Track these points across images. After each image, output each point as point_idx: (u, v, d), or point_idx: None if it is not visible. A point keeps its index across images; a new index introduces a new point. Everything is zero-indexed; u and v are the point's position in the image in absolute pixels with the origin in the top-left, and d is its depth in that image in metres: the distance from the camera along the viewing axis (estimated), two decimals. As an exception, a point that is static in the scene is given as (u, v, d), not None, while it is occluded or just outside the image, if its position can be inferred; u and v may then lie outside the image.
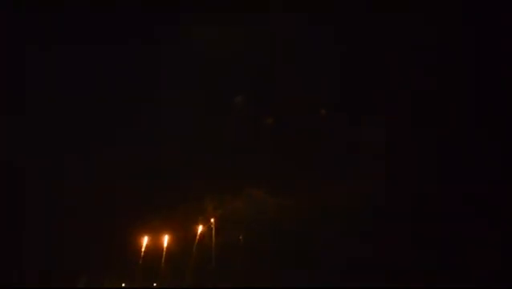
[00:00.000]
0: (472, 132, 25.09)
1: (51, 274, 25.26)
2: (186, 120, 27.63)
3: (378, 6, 25.38)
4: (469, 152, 25.12)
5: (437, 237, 24.85)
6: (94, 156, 26.97)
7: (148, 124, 27.99)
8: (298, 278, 25.24)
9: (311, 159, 27.77)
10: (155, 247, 28.71)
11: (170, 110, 27.29)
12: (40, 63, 25.75)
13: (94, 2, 25.03)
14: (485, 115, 25.33)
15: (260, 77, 27.54)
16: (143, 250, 28.30)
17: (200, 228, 29.06)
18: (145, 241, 28.43)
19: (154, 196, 27.75)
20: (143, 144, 27.52)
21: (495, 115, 25.13)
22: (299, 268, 25.93)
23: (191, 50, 26.32)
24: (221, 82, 27.55)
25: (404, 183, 25.81)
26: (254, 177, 28.24)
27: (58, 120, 26.77)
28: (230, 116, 28.18)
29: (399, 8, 24.93)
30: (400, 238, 25.18)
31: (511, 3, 23.27)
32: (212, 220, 28.96)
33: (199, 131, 27.77)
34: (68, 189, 26.63)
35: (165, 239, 28.68)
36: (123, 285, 28.13)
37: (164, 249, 28.58)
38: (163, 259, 28.49)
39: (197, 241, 28.87)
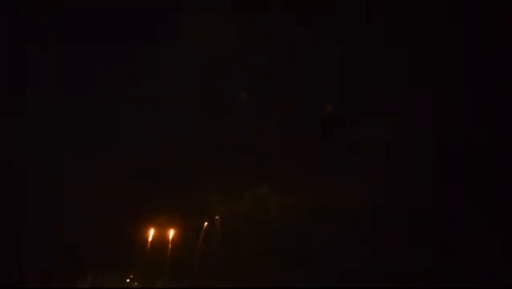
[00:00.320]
0: (472, 132, 25.11)
1: (54, 273, 25.29)
2: (187, 120, 27.67)
3: (378, 5, 25.40)
4: (469, 152, 25.14)
5: (437, 237, 24.89)
6: (94, 156, 27.00)
7: (148, 124, 28.04)
8: (298, 278, 25.28)
9: (311, 159, 27.81)
10: (157, 246, 28.84)
11: (170, 110, 27.32)
12: (40, 63, 25.75)
13: (94, 2, 25.04)
14: (486, 115, 25.35)
15: (260, 77, 27.56)
16: (149, 244, 28.47)
17: (204, 225, 29.16)
18: (151, 234, 28.60)
19: (155, 195, 27.84)
20: (143, 143, 27.57)
21: (495, 115, 25.16)
22: (299, 268, 25.96)
23: (191, 50, 26.32)
24: (222, 81, 27.57)
25: (404, 183, 25.84)
26: (255, 177, 28.30)
27: (58, 120, 26.78)
28: (231, 115, 28.19)
29: (399, 7, 24.94)
30: (400, 238, 25.22)
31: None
32: (216, 217, 29.04)
33: (199, 130, 27.82)
34: (68, 188, 26.66)
35: (171, 234, 28.85)
36: (131, 277, 28.24)
37: (170, 244, 28.73)
38: (168, 253, 28.62)
39: (201, 238, 28.94)
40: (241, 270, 26.49)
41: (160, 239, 28.97)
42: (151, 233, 28.74)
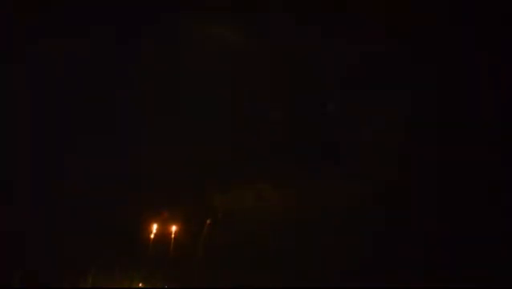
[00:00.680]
0: (472, 132, 25.13)
1: (55, 272, 25.37)
2: (187, 119, 27.68)
3: (379, 5, 25.35)
4: (469, 152, 25.16)
5: (437, 237, 24.95)
6: (94, 154, 27.04)
7: (148, 124, 28.04)
8: (298, 277, 25.34)
9: (312, 158, 27.85)
10: (159, 246, 28.93)
11: (171, 109, 27.33)
12: (40, 63, 25.73)
13: (94, 2, 24.98)
14: (486, 114, 25.36)
15: (261, 76, 27.54)
16: (151, 241, 28.60)
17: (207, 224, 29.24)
18: (153, 231, 28.73)
19: (157, 194, 27.91)
20: (143, 143, 27.59)
21: (496, 114, 25.17)
22: (299, 268, 26.03)
23: (191, 49, 26.31)
24: (222, 81, 27.56)
25: (404, 183, 25.88)
26: (255, 175, 28.33)
27: (58, 120, 26.80)
28: (233, 113, 28.23)
29: (399, 7, 24.89)
30: (400, 237, 25.28)
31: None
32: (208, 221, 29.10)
33: (200, 130, 27.83)
34: (69, 186, 26.70)
35: (172, 233, 28.97)
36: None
37: (172, 239, 28.86)
38: (171, 247, 28.75)
39: (202, 238, 29.03)
40: (240, 269, 26.56)
41: (162, 239, 29.08)
42: (153, 229, 28.89)
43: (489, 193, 24.97)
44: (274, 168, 28.05)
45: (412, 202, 25.91)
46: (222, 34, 25.61)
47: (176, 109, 27.22)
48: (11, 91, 25.02)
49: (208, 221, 28.88)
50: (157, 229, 29.15)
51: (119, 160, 27.12)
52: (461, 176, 25.35)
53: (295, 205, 27.52)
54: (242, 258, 27.18)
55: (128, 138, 27.64)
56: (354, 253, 25.46)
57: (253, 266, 26.74)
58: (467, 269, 23.38)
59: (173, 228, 29.22)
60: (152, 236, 28.79)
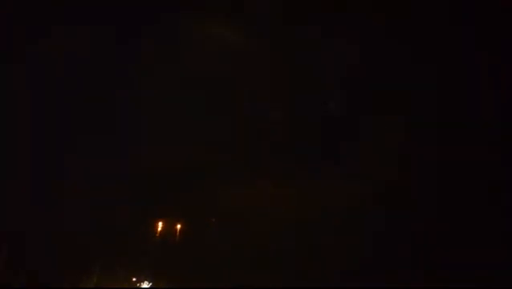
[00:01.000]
0: (471, 133, 25.12)
1: (59, 271, 25.43)
2: (187, 118, 27.70)
3: (379, 4, 25.30)
4: (469, 153, 25.15)
5: (437, 237, 24.95)
6: (97, 155, 27.11)
7: (149, 123, 28.06)
8: (298, 277, 25.35)
9: (312, 158, 27.86)
10: (161, 243, 29.09)
11: (171, 108, 27.33)
12: (40, 63, 25.71)
13: (94, 2, 24.95)
14: (486, 114, 25.34)
15: (261, 76, 27.52)
16: (155, 239, 28.74)
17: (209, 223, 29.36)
18: (158, 229, 28.88)
19: (160, 193, 27.99)
20: (143, 143, 27.61)
21: (496, 114, 25.15)
22: (299, 268, 26.05)
23: (191, 49, 26.28)
24: (222, 81, 27.55)
25: (404, 183, 25.88)
26: (255, 175, 28.36)
27: (57, 120, 26.80)
28: (234, 112, 28.24)
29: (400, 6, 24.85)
30: (400, 237, 25.29)
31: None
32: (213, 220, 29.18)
33: (200, 129, 27.85)
34: (72, 185, 26.76)
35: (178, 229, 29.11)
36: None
37: (178, 235, 28.99)
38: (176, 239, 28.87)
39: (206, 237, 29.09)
40: (240, 269, 26.60)
41: (164, 237, 29.21)
42: (156, 229, 29.02)
43: (489, 193, 24.96)
44: (274, 168, 28.10)
45: (412, 202, 25.90)
46: (222, 34, 25.58)
47: (176, 109, 27.23)
48: (11, 91, 25.01)
49: (212, 220, 29.00)
50: (158, 229, 29.28)
51: (120, 160, 27.17)
52: (461, 176, 25.33)
53: (295, 205, 27.53)
54: (242, 258, 27.23)
55: (128, 138, 27.73)
56: (354, 253, 25.48)
57: (254, 266, 26.77)
58: (467, 269, 23.37)
59: (177, 226, 29.42)
60: (153, 236, 28.95)
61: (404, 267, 24.27)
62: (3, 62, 24.43)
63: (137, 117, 27.83)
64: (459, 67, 24.64)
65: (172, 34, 25.82)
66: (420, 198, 25.80)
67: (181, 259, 28.89)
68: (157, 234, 29.09)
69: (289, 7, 25.13)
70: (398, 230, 25.41)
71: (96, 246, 26.47)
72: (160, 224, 29.22)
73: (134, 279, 29.29)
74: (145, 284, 29.69)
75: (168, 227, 29.40)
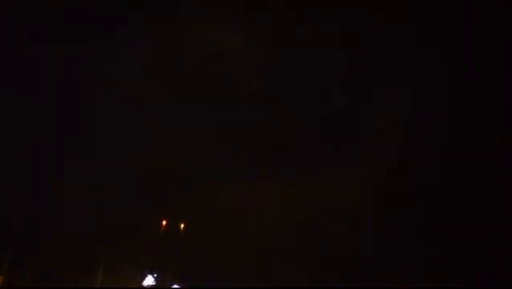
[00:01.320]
0: (471, 133, 25.12)
1: (65, 270, 25.49)
2: (187, 118, 27.73)
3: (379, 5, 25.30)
4: (469, 153, 25.14)
5: (437, 237, 24.94)
6: (100, 154, 27.17)
7: (149, 123, 28.09)
8: (299, 277, 25.35)
9: (312, 158, 27.88)
10: (165, 242, 29.22)
11: (172, 108, 27.39)
12: (40, 63, 25.73)
13: (94, 2, 24.97)
14: (486, 113, 25.34)
15: (261, 76, 27.55)
16: (159, 237, 28.85)
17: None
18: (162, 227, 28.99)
19: (165, 190, 28.07)
20: (143, 143, 27.66)
21: (496, 113, 25.15)
22: (300, 268, 26.05)
23: (191, 49, 26.33)
24: (222, 80, 27.58)
25: (405, 183, 25.87)
26: (255, 175, 28.39)
27: (58, 120, 26.84)
28: (237, 110, 28.27)
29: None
30: (400, 237, 25.28)
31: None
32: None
33: (201, 129, 27.88)
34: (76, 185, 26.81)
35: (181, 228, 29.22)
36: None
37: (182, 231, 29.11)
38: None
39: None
40: (240, 269, 26.62)
41: (167, 236, 29.32)
42: (162, 226, 29.15)
43: (489, 192, 24.95)
44: (274, 168, 28.12)
45: (413, 202, 25.91)
46: (222, 35, 25.60)
47: (176, 109, 27.26)
48: (11, 91, 25.05)
49: (211, 221, 29.03)
50: (162, 228, 29.41)
51: (119, 161, 27.18)
52: (461, 176, 25.34)
53: (295, 205, 27.56)
54: (242, 258, 27.25)
55: (128, 138, 27.76)
56: (354, 253, 25.46)
57: (254, 265, 26.79)
58: (467, 269, 23.38)
59: (181, 226, 29.56)
60: (157, 234, 29.07)
61: (404, 267, 24.27)
62: (3, 62, 24.49)
63: (137, 117, 27.91)
64: (459, 67, 24.68)
65: (172, 34, 25.89)
66: (421, 198, 25.81)
67: (184, 257, 28.96)
68: (161, 233, 29.19)
69: (289, 7, 25.20)
70: (398, 230, 25.42)
71: (100, 245, 26.54)
72: (164, 223, 29.33)
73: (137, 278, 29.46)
74: (149, 279, 29.84)
75: (171, 226, 29.47)
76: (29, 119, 25.86)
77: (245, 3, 24.91)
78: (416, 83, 25.93)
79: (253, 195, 28.38)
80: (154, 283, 29.95)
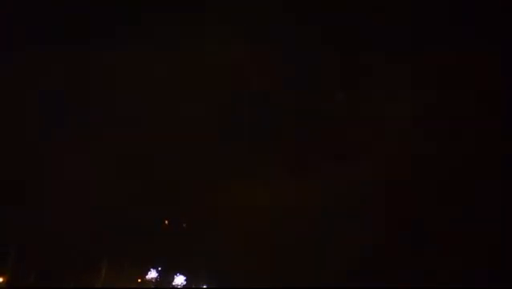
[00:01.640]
0: (471, 133, 25.11)
1: (67, 268, 25.49)
2: (188, 118, 27.71)
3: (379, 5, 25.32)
4: (469, 153, 25.13)
5: (437, 237, 24.93)
6: (102, 152, 27.13)
7: (149, 122, 28.08)
8: (299, 277, 25.35)
9: (312, 158, 27.87)
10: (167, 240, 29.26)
11: (171, 109, 27.36)
12: (40, 63, 25.70)
13: (94, 2, 24.98)
14: (486, 113, 25.33)
15: (261, 76, 27.54)
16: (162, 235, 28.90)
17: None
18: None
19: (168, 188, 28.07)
20: (143, 143, 27.62)
21: (496, 113, 25.14)
22: (300, 268, 26.05)
23: (191, 49, 26.31)
24: (222, 80, 27.57)
25: (405, 183, 25.87)
26: (256, 175, 28.37)
27: (57, 120, 26.81)
28: (232, 113, 28.24)
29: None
30: (399, 237, 25.27)
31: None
32: None
33: (200, 128, 27.87)
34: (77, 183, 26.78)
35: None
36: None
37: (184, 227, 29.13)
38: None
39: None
40: (240, 269, 26.62)
41: (170, 235, 29.39)
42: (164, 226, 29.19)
43: (489, 192, 24.96)
44: (273, 168, 28.11)
45: (413, 202, 25.90)
46: (221, 35, 25.62)
47: (177, 109, 27.24)
48: (11, 91, 25.03)
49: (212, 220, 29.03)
50: (164, 227, 29.47)
51: (120, 160, 27.16)
52: (461, 175, 25.32)
53: (295, 204, 27.54)
54: (242, 258, 27.25)
55: (128, 138, 27.68)
56: (354, 253, 25.46)
57: (253, 264, 26.78)
58: (467, 269, 23.38)
59: (183, 225, 29.61)
60: (159, 233, 29.09)
61: (404, 267, 24.28)
62: (3, 62, 24.48)
63: (137, 117, 27.89)
64: (459, 66, 24.67)
65: (172, 34, 25.89)
66: (421, 198, 25.80)
67: (187, 255, 29.02)
68: (163, 231, 29.26)
69: (289, 7, 25.21)
70: (398, 230, 25.41)
71: (103, 244, 26.56)
72: (166, 222, 29.40)
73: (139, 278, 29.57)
74: (153, 272, 29.98)
75: (172, 225, 29.50)
76: (29, 119, 25.87)
77: (245, 3, 24.98)
78: (416, 83, 25.97)
79: (253, 194, 28.40)
80: (185, 283, 30.05)
